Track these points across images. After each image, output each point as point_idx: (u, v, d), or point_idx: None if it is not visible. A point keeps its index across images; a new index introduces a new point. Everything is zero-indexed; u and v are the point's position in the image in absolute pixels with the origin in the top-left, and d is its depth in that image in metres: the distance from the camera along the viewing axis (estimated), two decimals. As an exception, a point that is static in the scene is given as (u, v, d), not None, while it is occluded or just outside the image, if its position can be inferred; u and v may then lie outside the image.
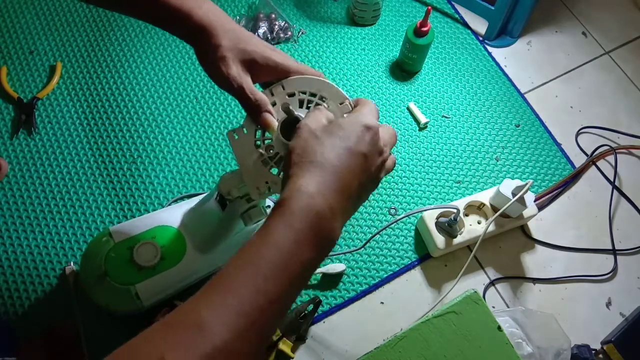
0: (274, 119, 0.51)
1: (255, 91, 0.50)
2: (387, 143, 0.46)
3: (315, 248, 0.40)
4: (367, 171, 0.44)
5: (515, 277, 0.82)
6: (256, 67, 0.50)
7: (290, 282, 0.38)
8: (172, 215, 0.72)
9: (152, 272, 0.67)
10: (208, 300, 0.36)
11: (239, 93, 0.50)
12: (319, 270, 0.78)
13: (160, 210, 0.75)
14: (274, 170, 0.52)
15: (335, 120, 0.45)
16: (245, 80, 0.50)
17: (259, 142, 0.52)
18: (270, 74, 0.52)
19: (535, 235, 0.85)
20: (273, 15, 0.96)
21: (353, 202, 0.44)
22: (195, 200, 0.74)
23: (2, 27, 0.94)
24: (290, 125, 0.49)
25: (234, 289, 0.36)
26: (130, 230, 0.69)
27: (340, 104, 0.51)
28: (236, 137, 0.53)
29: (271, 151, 0.51)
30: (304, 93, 0.52)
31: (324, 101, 0.52)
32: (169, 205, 0.81)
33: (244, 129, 0.53)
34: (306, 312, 0.74)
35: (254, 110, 0.50)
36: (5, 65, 0.91)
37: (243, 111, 0.92)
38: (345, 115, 0.51)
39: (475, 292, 0.67)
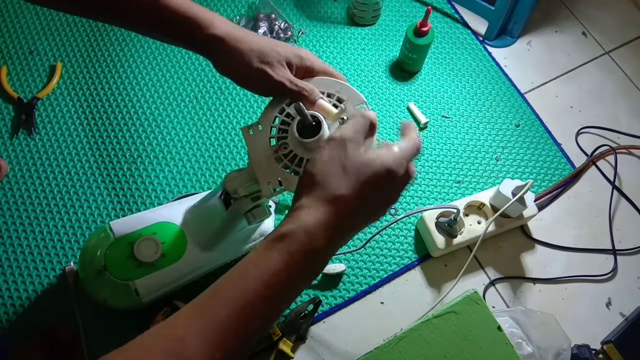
0: (330, 104, 0.52)
1: (302, 81, 0.51)
2: (408, 183, 0.46)
3: (307, 280, 0.42)
4: (383, 210, 0.44)
5: (515, 277, 0.82)
6: (289, 67, 0.51)
7: (274, 312, 0.40)
8: (173, 212, 0.72)
9: (152, 269, 0.67)
10: (192, 329, 0.37)
11: (290, 88, 0.50)
12: (319, 270, 0.78)
13: (161, 207, 0.75)
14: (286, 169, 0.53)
15: (366, 155, 0.43)
16: (289, 74, 0.51)
17: (273, 140, 0.53)
18: (299, 73, 0.53)
19: (535, 235, 0.85)
20: (273, 15, 0.96)
21: (359, 230, 0.45)
22: (197, 197, 0.74)
23: (2, 27, 0.94)
24: (305, 124, 0.50)
25: (219, 320, 0.37)
26: (131, 226, 0.69)
27: (358, 106, 0.52)
28: (251, 133, 0.53)
29: (285, 149, 0.52)
30: (322, 93, 0.52)
31: (341, 102, 0.52)
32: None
33: (259, 126, 0.53)
34: (306, 312, 0.74)
35: (307, 100, 0.51)
36: (5, 65, 0.91)
37: (242, 111, 0.93)
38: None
39: (475, 292, 0.67)
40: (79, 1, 0.50)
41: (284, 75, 0.50)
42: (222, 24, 0.50)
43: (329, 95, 0.53)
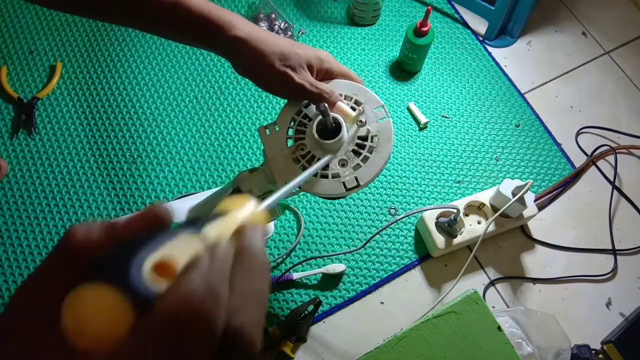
0: (349, 107, 0.52)
1: (322, 84, 0.51)
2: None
3: None
4: None
5: (515, 277, 0.82)
6: (310, 69, 0.51)
7: None
8: (177, 210, 0.71)
9: None
10: None
11: (310, 91, 0.50)
12: (319, 270, 0.78)
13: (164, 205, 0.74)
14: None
15: None
16: (310, 77, 0.51)
17: (290, 141, 0.53)
18: (318, 75, 0.53)
19: (535, 235, 0.85)
20: (273, 15, 0.96)
21: None
22: (201, 196, 0.74)
23: (2, 27, 0.94)
24: (326, 126, 0.50)
25: None
26: None
27: (375, 109, 0.52)
28: (268, 133, 0.53)
29: (303, 149, 0.52)
30: (340, 95, 0.53)
31: (359, 105, 0.53)
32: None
33: (276, 126, 0.53)
34: (306, 312, 0.74)
35: (327, 102, 0.51)
36: (5, 65, 0.91)
37: (242, 111, 0.93)
38: (379, 120, 0.52)
39: (475, 292, 0.67)
40: (97, 5, 0.49)
41: (305, 77, 0.50)
42: (243, 25, 0.50)
43: (346, 98, 0.53)
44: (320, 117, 0.51)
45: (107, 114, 0.89)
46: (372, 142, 0.51)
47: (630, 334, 0.75)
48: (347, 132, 0.51)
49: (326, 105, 0.48)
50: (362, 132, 0.52)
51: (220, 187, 0.73)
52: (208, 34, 0.49)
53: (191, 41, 0.51)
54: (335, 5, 1.02)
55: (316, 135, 0.50)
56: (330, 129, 0.50)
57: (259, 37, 0.49)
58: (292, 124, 0.53)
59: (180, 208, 0.72)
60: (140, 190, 0.83)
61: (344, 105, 0.52)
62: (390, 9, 1.02)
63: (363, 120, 0.52)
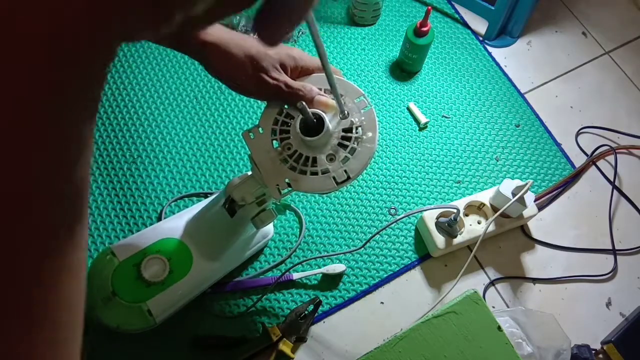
0: (329, 98, 0.51)
1: (297, 83, 0.50)
2: None
3: None
4: None
5: (515, 277, 0.82)
6: (284, 69, 0.51)
7: None
8: (173, 227, 0.71)
9: (162, 287, 0.66)
10: None
11: (286, 91, 0.49)
12: (319, 270, 0.78)
13: (160, 223, 0.74)
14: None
15: None
16: (284, 77, 0.50)
17: (275, 142, 0.52)
18: (294, 73, 0.52)
19: (535, 235, 0.85)
20: (273, 15, 0.96)
21: None
22: (195, 209, 0.73)
23: (2, 27, 0.94)
24: (308, 123, 0.50)
25: None
26: (133, 246, 0.68)
27: (357, 99, 0.52)
28: (252, 136, 0.52)
29: (289, 149, 0.51)
30: (320, 89, 0.52)
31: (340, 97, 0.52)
32: (169, 205, 0.81)
33: (260, 129, 0.52)
34: (306, 312, 0.74)
35: (305, 100, 0.50)
36: (5, 65, 0.91)
37: (242, 111, 0.92)
38: (362, 110, 0.51)
39: (475, 292, 0.67)
40: None
41: (279, 79, 0.49)
42: (213, 29, 0.49)
43: (326, 92, 0.52)
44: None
45: (106, 114, 0.88)
46: (357, 132, 0.51)
47: (630, 334, 0.76)
48: (331, 125, 0.51)
49: (304, 103, 0.48)
50: (346, 124, 0.51)
51: (213, 196, 0.72)
52: (177, 38, 0.48)
53: (162, 44, 0.51)
54: (335, 5, 1.02)
55: (300, 134, 0.49)
56: (313, 125, 0.50)
57: (229, 41, 0.49)
58: (275, 124, 0.52)
59: (178, 223, 0.72)
60: (140, 190, 0.83)
61: (323, 98, 0.51)
62: (390, 9, 1.02)
63: (346, 112, 0.51)
